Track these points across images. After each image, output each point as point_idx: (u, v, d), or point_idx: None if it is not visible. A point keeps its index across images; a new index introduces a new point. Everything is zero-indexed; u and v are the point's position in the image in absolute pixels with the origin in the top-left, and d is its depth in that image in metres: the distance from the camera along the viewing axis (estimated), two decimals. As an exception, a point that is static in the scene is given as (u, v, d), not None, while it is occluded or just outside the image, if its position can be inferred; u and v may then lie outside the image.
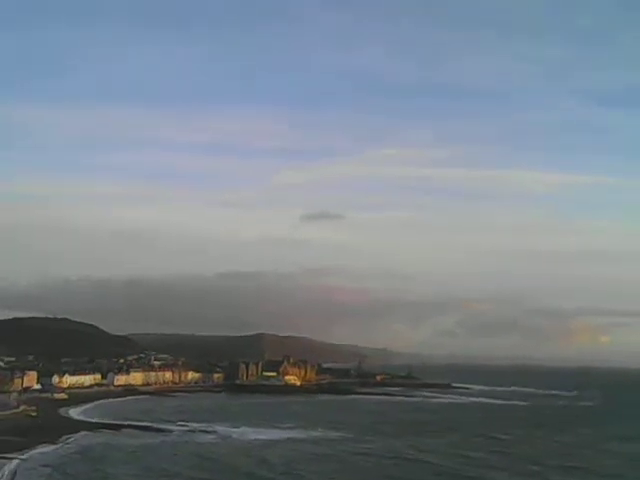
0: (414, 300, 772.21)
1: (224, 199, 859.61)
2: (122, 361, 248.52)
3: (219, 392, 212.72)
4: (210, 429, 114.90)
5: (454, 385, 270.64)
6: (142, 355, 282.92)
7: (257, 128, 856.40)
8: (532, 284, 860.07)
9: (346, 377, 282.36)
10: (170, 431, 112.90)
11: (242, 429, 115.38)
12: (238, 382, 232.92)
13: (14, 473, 65.25)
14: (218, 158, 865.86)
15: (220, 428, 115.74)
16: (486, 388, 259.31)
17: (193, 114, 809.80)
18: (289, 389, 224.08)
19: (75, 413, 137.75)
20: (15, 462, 75.28)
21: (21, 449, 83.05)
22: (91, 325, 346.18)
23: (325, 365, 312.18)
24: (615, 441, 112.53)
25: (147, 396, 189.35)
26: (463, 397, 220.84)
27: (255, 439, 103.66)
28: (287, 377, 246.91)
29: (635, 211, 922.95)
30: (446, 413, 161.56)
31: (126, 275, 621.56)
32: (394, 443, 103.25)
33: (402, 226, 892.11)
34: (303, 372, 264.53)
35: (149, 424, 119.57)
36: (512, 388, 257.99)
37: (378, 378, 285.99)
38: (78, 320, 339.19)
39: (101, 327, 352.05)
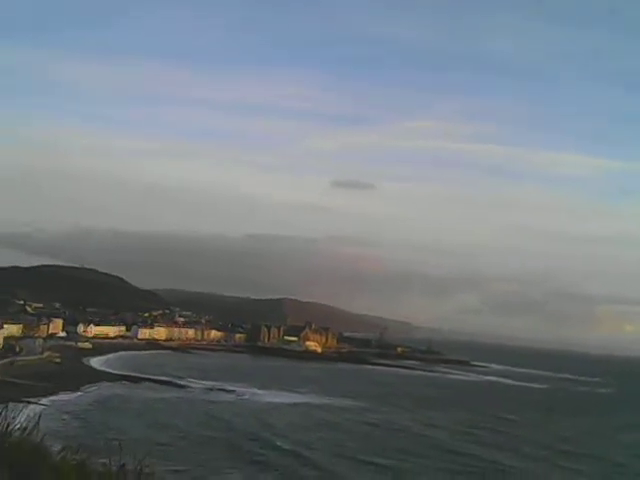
0: (439, 274, 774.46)
1: (252, 160, 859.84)
2: (147, 315, 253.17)
3: (240, 353, 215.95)
4: (227, 389, 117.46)
5: (473, 363, 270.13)
6: (167, 311, 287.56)
7: (289, 92, 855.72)
8: (558, 267, 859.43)
9: (366, 347, 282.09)
10: (188, 388, 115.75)
11: (258, 391, 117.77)
12: (260, 344, 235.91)
13: (38, 418, 67.24)
14: (248, 119, 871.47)
15: (237, 389, 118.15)
16: (504, 368, 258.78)
17: (224, 74, 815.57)
18: (309, 355, 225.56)
19: (98, 363, 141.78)
20: (38, 407, 77.90)
21: (44, 395, 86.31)
22: (118, 277, 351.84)
23: (346, 334, 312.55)
24: (626, 430, 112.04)
25: (169, 351, 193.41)
26: (481, 375, 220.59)
27: (269, 402, 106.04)
28: (308, 343, 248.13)
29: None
30: (461, 390, 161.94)
31: (154, 230, 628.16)
32: (403, 416, 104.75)
33: (430, 199, 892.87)
34: (324, 339, 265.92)
35: (169, 379, 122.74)
36: (531, 370, 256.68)
37: (398, 350, 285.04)
38: (105, 271, 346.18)
39: (127, 280, 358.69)
